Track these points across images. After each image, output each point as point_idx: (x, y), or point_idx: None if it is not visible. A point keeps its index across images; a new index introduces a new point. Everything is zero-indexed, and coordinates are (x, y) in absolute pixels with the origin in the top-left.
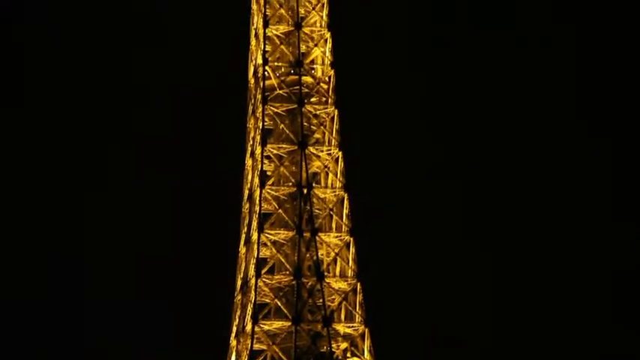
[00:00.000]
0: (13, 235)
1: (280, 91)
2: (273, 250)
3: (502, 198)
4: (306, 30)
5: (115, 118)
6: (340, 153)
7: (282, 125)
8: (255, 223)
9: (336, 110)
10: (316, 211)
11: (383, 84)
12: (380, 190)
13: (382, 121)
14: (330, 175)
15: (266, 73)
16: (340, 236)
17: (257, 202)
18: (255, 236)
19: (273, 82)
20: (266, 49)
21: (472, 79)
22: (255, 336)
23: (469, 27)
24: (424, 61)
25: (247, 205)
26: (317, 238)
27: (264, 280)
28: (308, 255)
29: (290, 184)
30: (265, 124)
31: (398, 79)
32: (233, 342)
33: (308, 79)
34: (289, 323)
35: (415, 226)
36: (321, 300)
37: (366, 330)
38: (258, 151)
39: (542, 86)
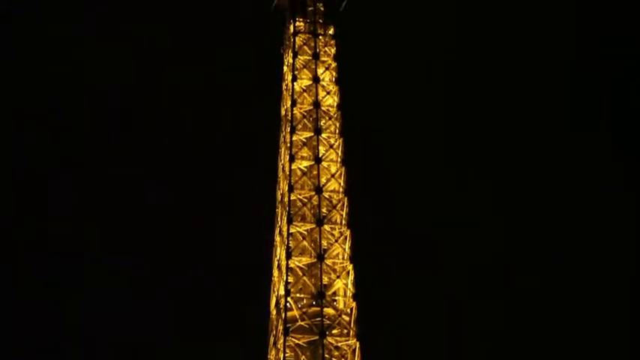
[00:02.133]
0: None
1: (302, 323)
2: None
3: None
4: (329, 262)
5: None
6: None
7: (303, 357)
8: None
9: (358, 342)
10: None
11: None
12: None
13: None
14: None
15: (288, 304)
16: None
17: None
18: None
19: (295, 313)
20: (288, 281)
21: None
22: None
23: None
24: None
25: None
26: None
27: None
28: None
29: None
30: (286, 355)
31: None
32: None
33: (330, 310)
34: None
35: None
36: None
37: None
38: None
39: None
